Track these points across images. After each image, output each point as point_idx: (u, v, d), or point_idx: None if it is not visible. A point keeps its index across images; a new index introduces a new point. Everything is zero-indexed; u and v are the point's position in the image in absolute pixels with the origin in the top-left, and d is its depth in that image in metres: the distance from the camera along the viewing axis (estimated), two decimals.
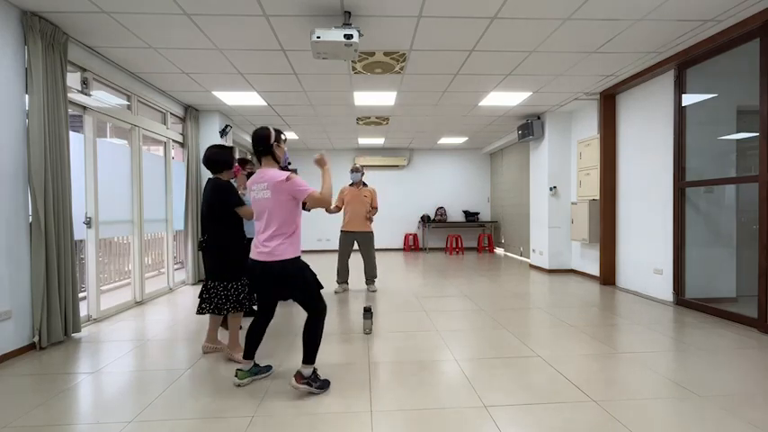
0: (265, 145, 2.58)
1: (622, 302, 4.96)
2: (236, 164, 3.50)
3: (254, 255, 2.56)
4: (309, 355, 2.56)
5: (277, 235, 2.48)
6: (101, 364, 3.11)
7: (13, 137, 3.26)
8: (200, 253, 3.57)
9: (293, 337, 3.61)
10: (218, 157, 3.17)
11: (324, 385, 2.59)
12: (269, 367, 2.87)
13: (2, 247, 3.16)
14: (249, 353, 2.73)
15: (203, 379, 2.82)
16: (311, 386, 2.53)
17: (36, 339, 3.36)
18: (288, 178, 2.47)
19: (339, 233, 5.74)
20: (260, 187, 2.54)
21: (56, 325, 3.46)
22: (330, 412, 2.33)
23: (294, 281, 2.51)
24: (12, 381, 2.82)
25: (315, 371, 2.57)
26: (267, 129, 2.59)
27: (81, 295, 4.11)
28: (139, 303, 5.06)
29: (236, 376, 2.69)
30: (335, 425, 2.20)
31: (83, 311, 4.11)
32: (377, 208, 5.76)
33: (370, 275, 5.74)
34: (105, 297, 4.87)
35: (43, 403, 2.46)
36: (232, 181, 3.32)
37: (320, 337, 2.60)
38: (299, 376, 2.53)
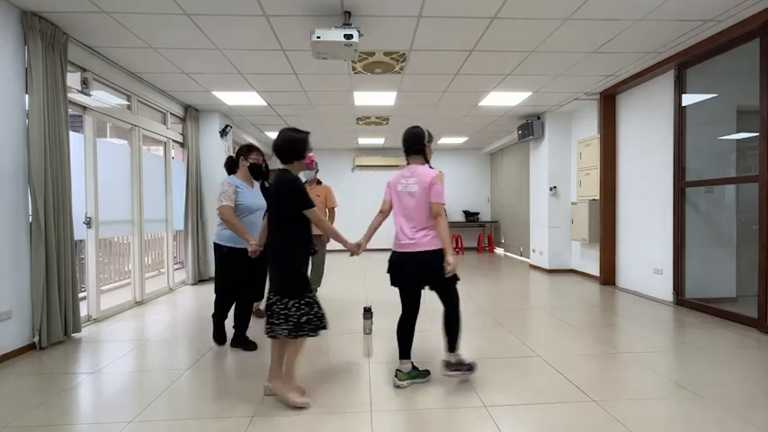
0: (420, 144, 2.75)
1: (622, 302, 4.96)
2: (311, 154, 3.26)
3: (396, 247, 2.69)
4: (454, 342, 2.71)
5: (422, 228, 2.62)
6: (101, 364, 3.10)
7: (13, 137, 3.26)
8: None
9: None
10: (289, 145, 2.53)
11: (472, 366, 2.69)
12: (427, 372, 2.76)
13: (2, 246, 3.16)
14: (405, 352, 2.70)
15: (203, 379, 2.82)
16: (463, 371, 2.66)
17: (36, 339, 3.36)
18: (435, 181, 2.61)
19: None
20: (409, 182, 2.69)
21: (56, 325, 3.46)
22: (330, 412, 2.33)
23: (437, 271, 2.57)
24: (12, 381, 2.82)
25: (460, 356, 2.70)
26: (420, 128, 2.77)
27: (81, 295, 4.10)
28: (139, 303, 5.06)
29: (395, 377, 2.65)
30: (335, 425, 2.20)
31: (83, 311, 4.10)
32: (333, 209, 4.97)
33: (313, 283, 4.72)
34: (105, 297, 4.86)
35: (43, 403, 2.46)
36: (301, 175, 2.77)
37: (461, 324, 2.74)
38: (449, 366, 2.67)
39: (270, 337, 2.45)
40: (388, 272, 2.74)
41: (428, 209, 2.60)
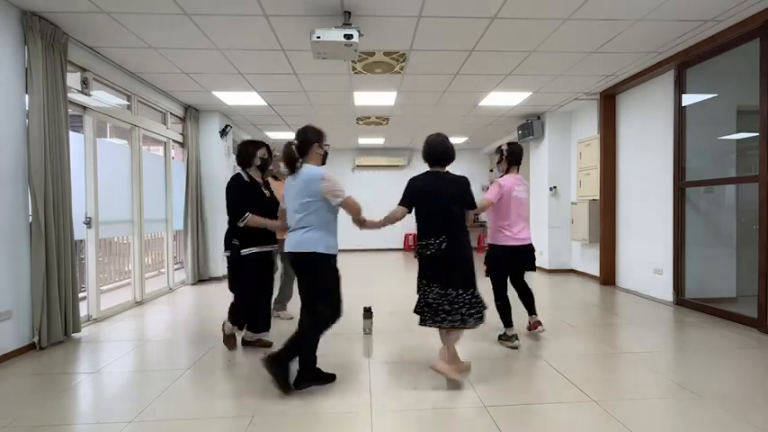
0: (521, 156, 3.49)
1: (622, 302, 4.95)
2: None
3: (510, 242, 3.32)
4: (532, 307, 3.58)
5: (527, 226, 3.45)
6: (101, 364, 3.10)
7: (13, 137, 3.26)
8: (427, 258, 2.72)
9: None
10: (446, 149, 2.81)
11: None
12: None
13: (2, 247, 3.16)
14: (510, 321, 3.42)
15: (203, 379, 2.82)
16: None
17: (36, 339, 3.36)
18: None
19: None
20: (522, 189, 3.41)
21: (56, 325, 3.45)
22: (330, 412, 2.33)
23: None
24: (12, 381, 2.82)
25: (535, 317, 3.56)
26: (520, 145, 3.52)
27: (81, 295, 4.10)
28: (139, 303, 5.06)
29: (508, 340, 3.36)
30: (335, 425, 2.20)
31: (83, 311, 4.10)
32: None
33: (280, 299, 4.31)
34: (105, 297, 4.86)
35: (43, 403, 2.46)
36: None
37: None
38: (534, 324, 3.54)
39: (460, 328, 2.66)
40: (502, 260, 3.36)
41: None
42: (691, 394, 2.50)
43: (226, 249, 3.23)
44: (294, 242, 2.60)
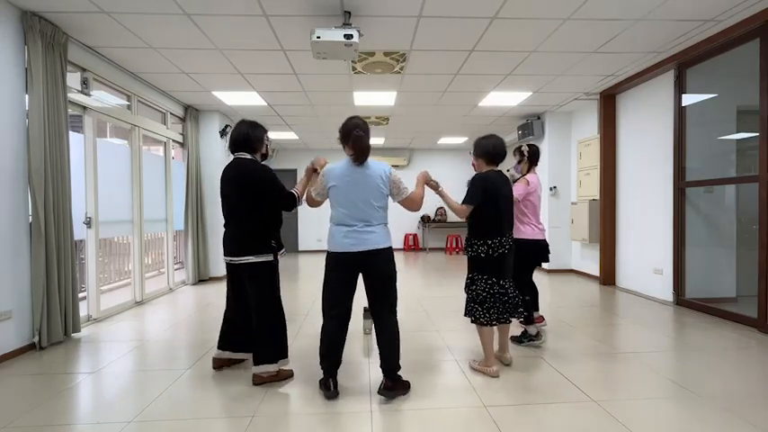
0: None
1: (622, 302, 4.96)
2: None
3: (537, 236, 3.44)
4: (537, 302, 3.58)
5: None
6: (101, 364, 3.10)
7: (13, 137, 3.26)
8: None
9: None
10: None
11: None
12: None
13: (2, 247, 3.16)
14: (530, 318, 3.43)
15: (203, 379, 2.81)
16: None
17: (36, 339, 3.36)
18: None
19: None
20: (540, 187, 3.56)
21: (56, 325, 3.45)
22: (330, 412, 2.33)
23: None
24: (12, 381, 2.82)
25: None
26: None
27: (81, 295, 4.10)
28: (139, 303, 5.06)
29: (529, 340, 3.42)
30: (335, 425, 2.20)
31: (83, 311, 4.10)
32: None
33: None
34: (105, 297, 4.86)
35: (43, 403, 2.46)
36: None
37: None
38: (539, 318, 3.59)
39: (509, 321, 2.86)
40: (530, 254, 3.40)
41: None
42: (691, 394, 2.50)
43: (272, 251, 2.69)
44: (367, 239, 2.44)
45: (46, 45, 3.43)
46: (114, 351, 3.40)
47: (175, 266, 6.28)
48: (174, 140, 6.07)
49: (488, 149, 2.87)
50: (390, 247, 2.55)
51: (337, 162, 2.56)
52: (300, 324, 4.09)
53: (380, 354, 2.51)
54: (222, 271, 6.80)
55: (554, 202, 7.14)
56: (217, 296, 5.50)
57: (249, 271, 2.66)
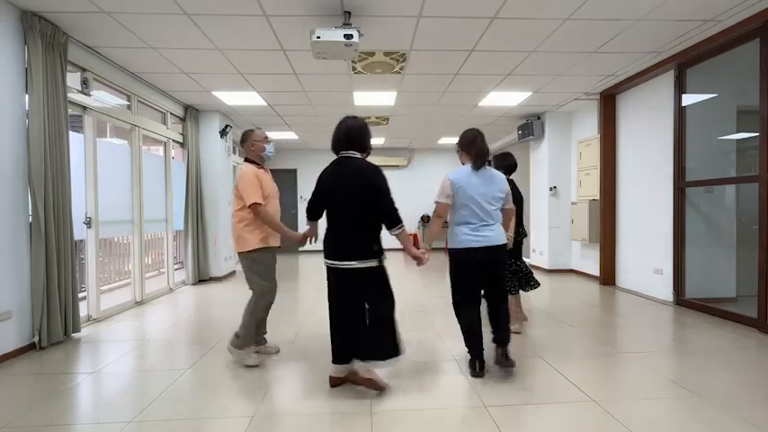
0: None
1: (622, 302, 4.95)
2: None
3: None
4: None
5: None
6: (100, 364, 3.10)
7: (13, 137, 3.26)
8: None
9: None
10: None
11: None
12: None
13: (2, 247, 3.16)
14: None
15: (203, 379, 2.82)
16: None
17: (36, 339, 3.36)
18: None
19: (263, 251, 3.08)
20: None
21: (56, 325, 3.45)
22: (330, 412, 2.33)
23: None
24: (12, 381, 2.82)
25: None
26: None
27: (81, 295, 4.10)
28: (139, 303, 5.06)
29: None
30: (335, 425, 2.20)
31: (83, 311, 4.10)
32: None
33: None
34: (105, 297, 4.86)
35: (43, 403, 2.46)
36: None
37: None
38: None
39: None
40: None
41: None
42: (691, 394, 2.50)
43: (372, 257, 2.53)
44: (492, 236, 2.83)
45: (46, 45, 3.43)
46: (114, 351, 3.40)
47: (175, 266, 6.28)
48: (174, 140, 6.07)
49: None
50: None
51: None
52: (300, 324, 4.08)
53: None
54: (222, 271, 6.81)
55: (554, 202, 7.14)
56: (217, 296, 5.51)
57: (368, 274, 2.52)
